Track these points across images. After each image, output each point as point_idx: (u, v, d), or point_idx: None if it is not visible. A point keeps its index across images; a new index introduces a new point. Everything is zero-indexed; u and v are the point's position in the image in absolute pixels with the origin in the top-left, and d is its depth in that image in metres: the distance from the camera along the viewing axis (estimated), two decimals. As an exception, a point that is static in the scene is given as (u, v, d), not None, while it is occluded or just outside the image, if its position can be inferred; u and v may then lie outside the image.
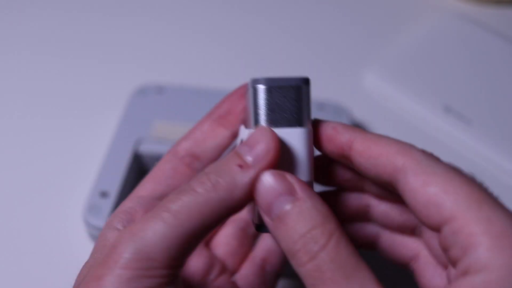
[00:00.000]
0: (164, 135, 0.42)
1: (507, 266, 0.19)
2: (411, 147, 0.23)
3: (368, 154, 0.23)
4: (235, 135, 0.28)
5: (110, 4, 0.58)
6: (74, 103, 0.50)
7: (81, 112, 0.49)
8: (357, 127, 0.25)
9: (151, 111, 0.44)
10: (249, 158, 0.22)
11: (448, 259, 0.21)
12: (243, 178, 0.22)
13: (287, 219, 0.21)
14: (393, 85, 0.49)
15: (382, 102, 0.49)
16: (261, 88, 0.24)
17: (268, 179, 0.22)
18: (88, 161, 0.44)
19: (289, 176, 0.22)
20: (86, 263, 0.24)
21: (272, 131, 0.23)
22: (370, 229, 0.27)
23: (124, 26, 0.56)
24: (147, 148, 0.41)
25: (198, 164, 0.27)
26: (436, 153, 0.23)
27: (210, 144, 0.27)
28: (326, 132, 0.24)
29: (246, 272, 0.29)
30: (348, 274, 0.20)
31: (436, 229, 0.21)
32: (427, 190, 0.21)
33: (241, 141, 0.25)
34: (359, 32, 0.55)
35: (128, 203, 0.26)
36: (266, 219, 0.22)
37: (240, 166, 0.22)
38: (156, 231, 0.21)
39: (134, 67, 0.53)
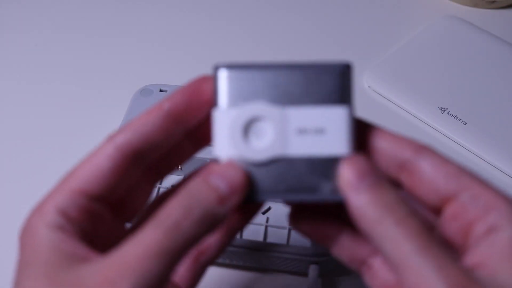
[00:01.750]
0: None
1: None
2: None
3: (390, 137, 0.25)
4: (189, 133, 0.25)
5: (116, 10, 0.60)
6: (80, 103, 0.51)
7: (87, 112, 0.50)
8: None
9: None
10: (224, 190, 0.22)
11: (459, 227, 0.23)
12: (222, 210, 0.22)
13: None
14: (390, 87, 0.50)
15: (379, 104, 0.50)
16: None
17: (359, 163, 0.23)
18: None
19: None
20: (23, 267, 0.23)
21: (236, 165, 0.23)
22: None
23: (128, 29, 0.57)
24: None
25: (141, 163, 0.24)
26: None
27: (159, 142, 0.24)
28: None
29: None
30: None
31: (449, 198, 0.23)
32: (448, 165, 0.23)
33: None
34: (357, 35, 0.56)
35: (59, 196, 0.23)
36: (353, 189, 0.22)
37: (219, 200, 0.22)
38: (152, 270, 0.21)
39: (137, 69, 0.53)
